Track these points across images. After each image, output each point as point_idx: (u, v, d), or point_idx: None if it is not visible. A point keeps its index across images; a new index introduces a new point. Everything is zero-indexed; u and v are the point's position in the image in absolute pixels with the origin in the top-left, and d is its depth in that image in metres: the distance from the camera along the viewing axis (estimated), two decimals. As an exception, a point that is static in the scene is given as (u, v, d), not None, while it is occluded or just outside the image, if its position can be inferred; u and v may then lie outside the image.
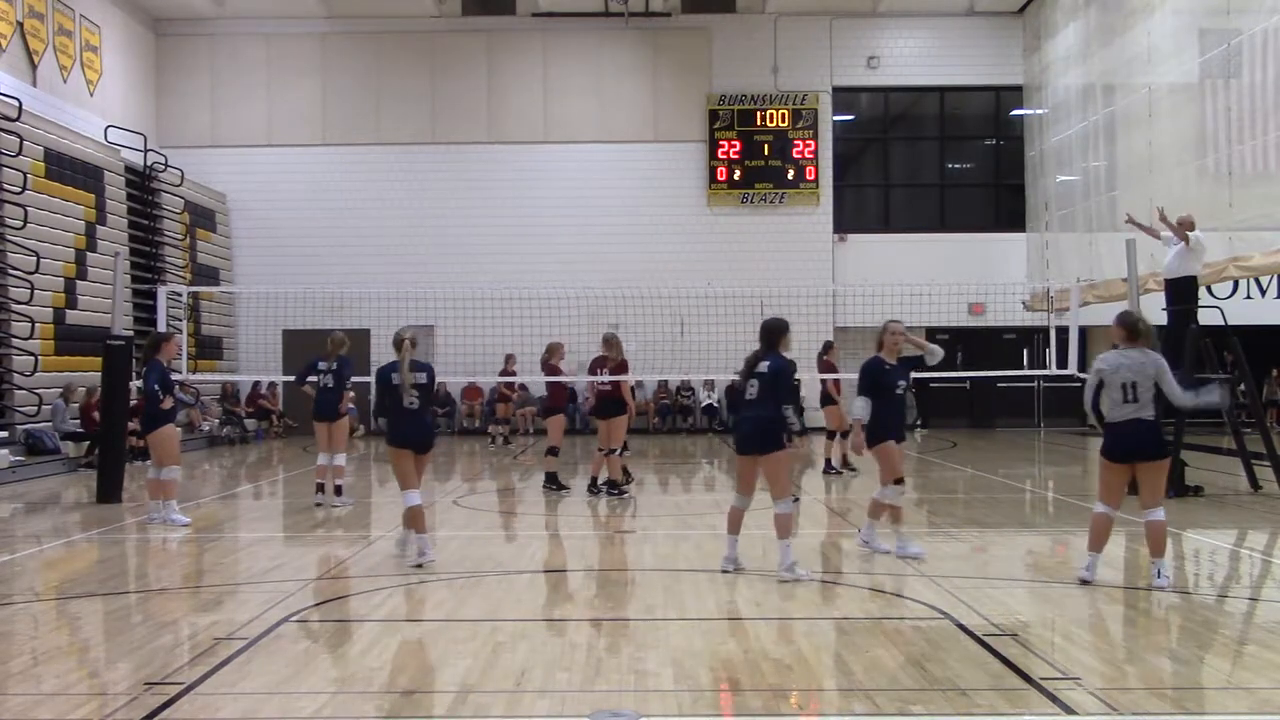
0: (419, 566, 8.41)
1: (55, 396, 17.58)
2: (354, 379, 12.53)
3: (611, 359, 13.06)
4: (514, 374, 20.77)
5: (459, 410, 25.20)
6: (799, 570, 7.88)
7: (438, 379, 9.01)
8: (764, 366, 8.06)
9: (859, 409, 8.70)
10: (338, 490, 12.39)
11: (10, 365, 17.15)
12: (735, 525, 8.21)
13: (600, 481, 13.08)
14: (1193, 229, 12.90)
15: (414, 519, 8.61)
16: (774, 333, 8.17)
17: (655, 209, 25.54)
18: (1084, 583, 7.60)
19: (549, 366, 13.86)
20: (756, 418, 8.01)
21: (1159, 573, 7.50)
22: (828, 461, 15.47)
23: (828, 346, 15.73)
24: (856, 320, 24.00)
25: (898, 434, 8.81)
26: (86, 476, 15.39)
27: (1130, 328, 7.57)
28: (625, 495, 12.94)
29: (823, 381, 15.52)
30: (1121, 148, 20.62)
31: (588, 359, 14.94)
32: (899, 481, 8.69)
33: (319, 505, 12.25)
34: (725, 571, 8.08)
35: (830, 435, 15.59)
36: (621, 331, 14.08)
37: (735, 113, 25.81)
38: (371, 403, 12.78)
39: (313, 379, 12.36)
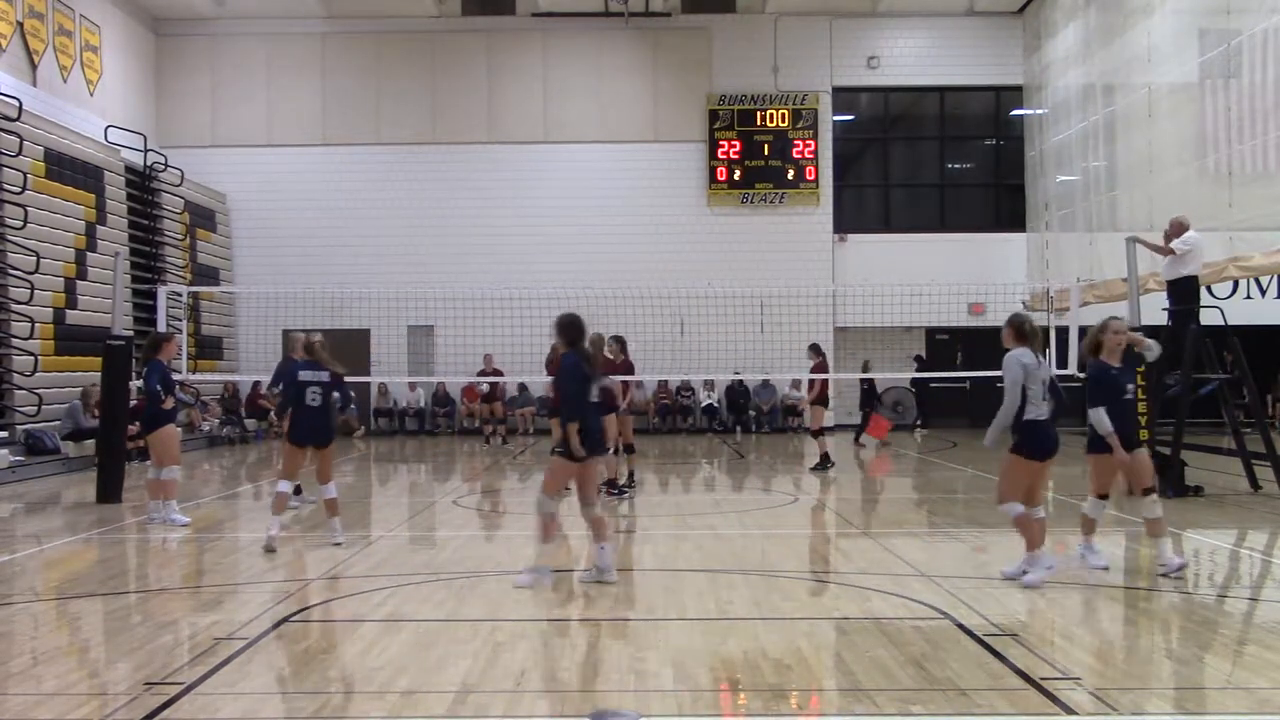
0: (271, 551, 9.10)
1: (75, 398, 17.56)
2: (350, 379, 12.55)
3: (607, 359, 13.05)
4: (499, 373, 20.79)
5: (459, 410, 25.19)
6: (523, 578, 7.66)
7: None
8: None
9: (1100, 421, 7.94)
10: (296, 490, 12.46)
11: (10, 365, 17.15)
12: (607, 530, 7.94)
13: (599, 482, 13.07)
14: (1186, 229, 12.93)
15: (276, 504, 9.48)
16: (580, 330, 7.88)
17: (655, 209, 25.53)
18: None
19: (553, 367, 13.86)
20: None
21: (1050, 564, 7.71)
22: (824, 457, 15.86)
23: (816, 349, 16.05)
24: (856, 320, 24.06)
25: (1126, 442, 8.02)
26: (87, 476, 15.38)
27: (1018, 329, 7.65)
28: (625, 496, 12.94)
29: (818, 383, 15.75)
30: (1121, 148, 20.62)
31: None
32: (1148, 491, 8.00)
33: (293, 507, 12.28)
34: (599, 581, 7.70)
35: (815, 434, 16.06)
36: (621, 331, 14.04)
37: (735, 113, 25.80)
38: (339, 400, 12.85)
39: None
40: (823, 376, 15.77)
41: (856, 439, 20.98)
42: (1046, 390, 7.53)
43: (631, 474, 13.57)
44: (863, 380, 20.99)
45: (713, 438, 23.95)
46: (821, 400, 16.05)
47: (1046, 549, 7.74)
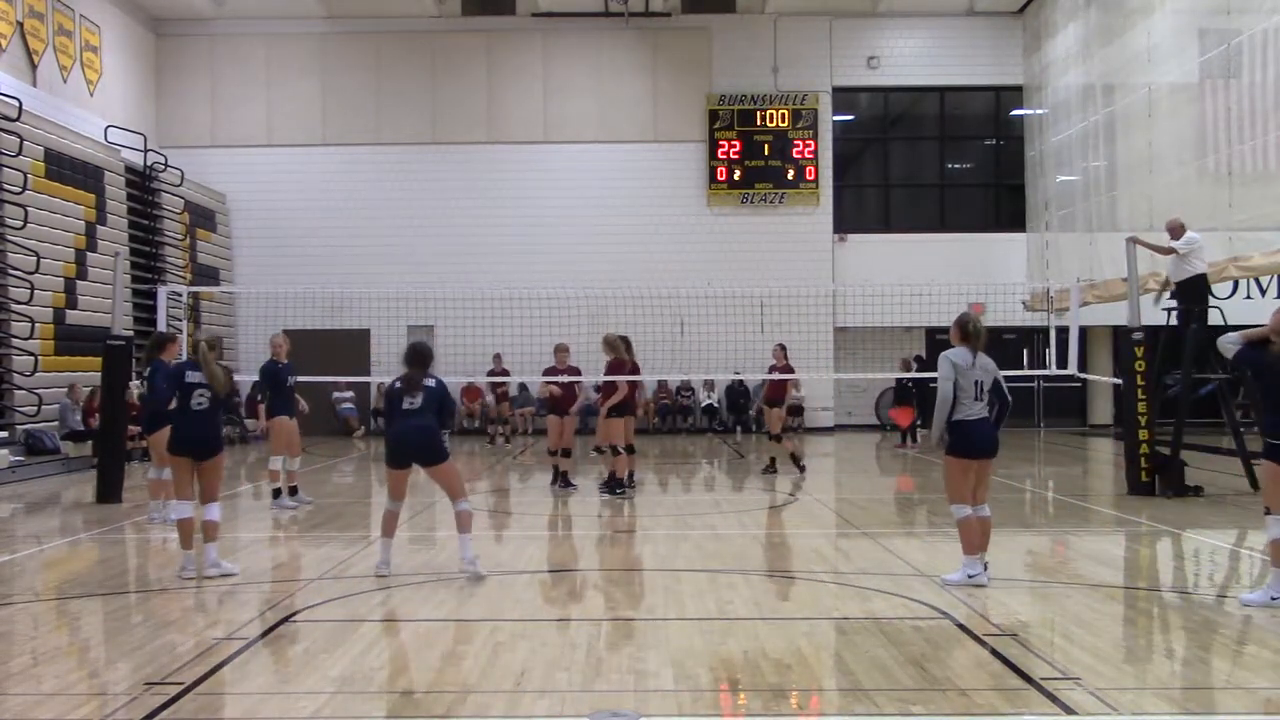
0: (191, 577, 8.11)
1: (63, 396, 17.55)
2: (350, 379, 12.58)
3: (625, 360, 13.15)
4: (505, 373, 20.80)
5: (459, 410, 25.18)
6: (478, 565, 8.11)
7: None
8: (432, 381, 8.26)
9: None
10: (292, 490, 12.43)
11: (10, 365, 17.14)
12: (391, 529, 8.32)
13: (602, 481, 13.11)
14: (1183, 231, 12.94)
15: (180, 533, 8.33)
16: (429, 357, 8.35)
17: (655, 209, 25.52)
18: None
19: (555, 369, 13.93)
20: (425, 427, 8.14)
21: (986, 566, 7.69)
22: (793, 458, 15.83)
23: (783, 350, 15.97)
24: (856, 320, 24.04)
25: None
26: (87, 476, 15.38)
27: (962, 327, 7.74)
28: (625, 495, 12.94)
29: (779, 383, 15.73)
30: (1121, 148, 20.61)
31: (588, 360, 15.00)
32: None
33: (290, 508, 12.17)
34: (381, 575, 8.06)
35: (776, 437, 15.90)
36: (621, 331, 14.05)
37: (735, 113, 25.78)
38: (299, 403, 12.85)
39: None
40: (790, 377, 15.78)
41: (903, 440, 21.00)
42: (982, 391, 7.60)
43: (631, 474, 13.57)
44: (900, 379, 21.03)
45: (713, 438, 23.94)
46: (780, 402, 15.98)
47: (977, 558, 7.66)
